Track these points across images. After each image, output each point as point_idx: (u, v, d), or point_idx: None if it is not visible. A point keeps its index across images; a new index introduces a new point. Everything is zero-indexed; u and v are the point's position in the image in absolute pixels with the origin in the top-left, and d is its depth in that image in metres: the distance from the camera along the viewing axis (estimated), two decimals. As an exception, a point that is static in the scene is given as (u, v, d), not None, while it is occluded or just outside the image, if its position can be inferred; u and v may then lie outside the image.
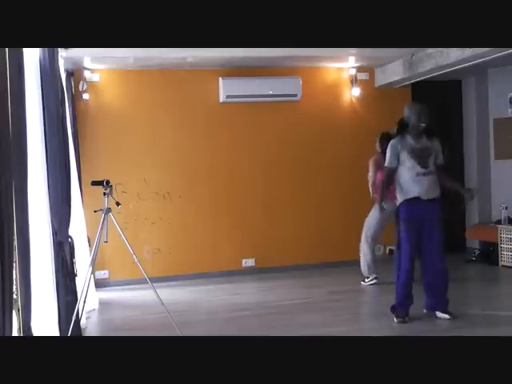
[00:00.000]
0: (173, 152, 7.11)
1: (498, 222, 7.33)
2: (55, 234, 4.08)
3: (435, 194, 4.82)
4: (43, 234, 3.93)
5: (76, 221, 5.05)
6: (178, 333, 4.50)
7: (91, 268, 4.60)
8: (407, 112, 4.96)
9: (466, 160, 8.35)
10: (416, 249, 4.84)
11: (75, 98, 6.61)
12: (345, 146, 7.52)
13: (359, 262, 6.31)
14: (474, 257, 7.56)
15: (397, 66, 7.13)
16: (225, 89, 7.03)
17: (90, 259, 4.80)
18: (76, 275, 4.47)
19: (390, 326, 4.87)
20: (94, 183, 4.69)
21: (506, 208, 7.21)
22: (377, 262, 6.26)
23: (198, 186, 7.19)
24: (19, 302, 3.13)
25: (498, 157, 7.73)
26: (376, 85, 7.69)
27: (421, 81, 7.28)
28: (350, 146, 7.50)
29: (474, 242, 7.92)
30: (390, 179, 4.94)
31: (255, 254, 7.35)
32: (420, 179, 4.77)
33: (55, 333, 4.04)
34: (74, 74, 6.63)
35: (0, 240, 2.51)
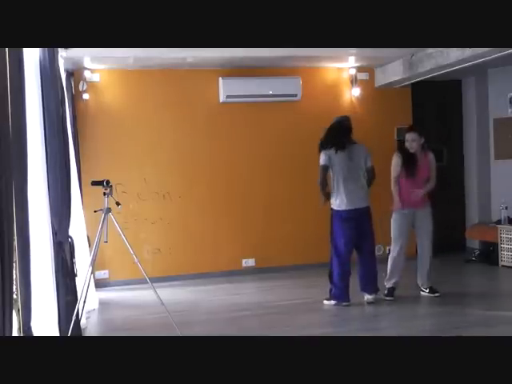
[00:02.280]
0: (173, 152, 7.11)
1: (498, 221, 7.33)
2: (55, 233, 4.08)
3: None
4: (43, 234, 3.92)
5: (76, 221, 5.05)
6: (177, 333, 4.50)
7: (91, 268, 4.60)
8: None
9: (465, 160, 8.36)
10: None
11: (75, 98, 6.61)
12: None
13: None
14: (474, 257, 7.55)
15: (397, 66, 7.13)
16: (225, 89, 7.03)
17: (90, 259, 4.80)
18: (76, 275, 4.47)
19: (389, 326, 4.88)
20: (94, 183, 4.70)
21: (506, 208, 7.21)
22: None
23: (198, 185, 7.19)
24: (19, 302, 3.13)
25: (497, 157, 7.73)
26: (376, 85, 7.69)
27: (421, 81, 7.28)
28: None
29: (474, 242, 7.92)
30: None
31: (255, 254, 7.35)
32: None
33: (55, 333, 4.04)
34: (74, 73, 6.62)
35: (0, 240, 2.51)
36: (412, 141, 5.63)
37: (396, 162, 5.70)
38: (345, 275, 5.48)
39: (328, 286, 5.58)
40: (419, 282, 5.80)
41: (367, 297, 5.55)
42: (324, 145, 5.55)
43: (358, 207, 5.44)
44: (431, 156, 5.75)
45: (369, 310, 5.42)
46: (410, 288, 5.85)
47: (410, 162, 5.62)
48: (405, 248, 5.70)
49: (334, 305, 5.51)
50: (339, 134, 5.51)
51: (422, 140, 5.66)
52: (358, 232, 5.47)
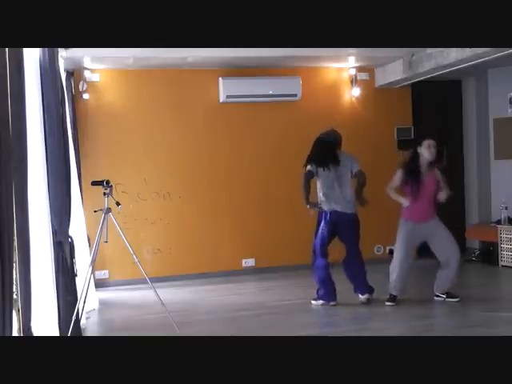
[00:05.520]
0: (173, 152, 7.11)
1: (498, 221, 7.33)
2: (55, 233, 4.08)
3: None
4: (43, 234, 3.92)
5: (76, 221, 5.05)
6: (177, 333, 4.50)
7: (91, 268, 4.60)
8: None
9: (465, 160, 8.36)
10: None
11: (75, 98, 6.61)
12: (344, 146, 7.46)
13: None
14: (474, 257, 7.56)
15: (397, 66, 7.13)
16: (225, 89, 7.03)
17: (90, 259, 4.80)
18: (76, 275, 4.47)
19: (389, 326, 4.87)
20: (94, 183, 4.71)
21: (506, 208, 7.21)
22: None
23: (197, 185, 7.19)
24: (19, 302, 3.13)
25: (497, 157, 7.73)
26: (376, 85, 7.69)
27: (421, 81, 7.28)
28: (349, 145, 7.46)
29: (474, 242, 7.92)
30: None
31: (255, 254, 7.35)
32: None
33: (55, 333, 4.04)
34: (74, 73, 6.62)
35: (0, 240, 2.51)
36: (434, 147, 5.39)
37: (398, 176, 5.48)
38: (324, 267, 5.51)
39: (317, 286, 5.61)
40: (435, 288, 5.58)
41: (360, 297, 5.57)
42: (311, 162, 5.56)
43: (345, 212, 5.49)
44: (436, 170, 5.50)
45: (368, 311, 5.42)
46: (411, 288, 5.85)
47: (414, 178, 5.38)
48: (408, 259, 5.48)
49: (322, 305, 5.53)
50: (324, 153, 5.54)
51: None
52: (343, 238, 5.60)
